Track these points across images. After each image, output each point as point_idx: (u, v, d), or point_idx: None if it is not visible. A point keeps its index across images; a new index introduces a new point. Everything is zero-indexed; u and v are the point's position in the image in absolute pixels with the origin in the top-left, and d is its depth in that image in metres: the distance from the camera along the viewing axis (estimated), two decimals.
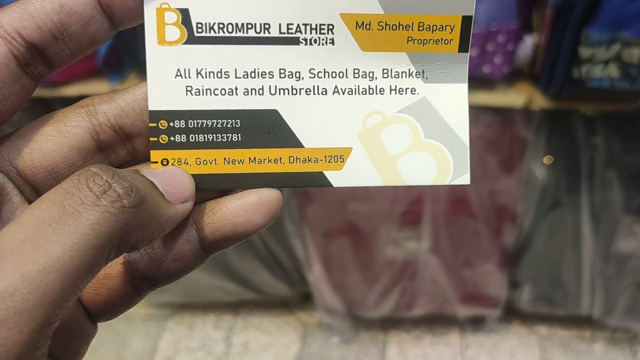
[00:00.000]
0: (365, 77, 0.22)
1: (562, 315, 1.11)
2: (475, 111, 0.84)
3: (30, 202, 0.20)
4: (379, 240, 1.00)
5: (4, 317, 0.14)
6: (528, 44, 0.76)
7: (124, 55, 0.83)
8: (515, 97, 0.80)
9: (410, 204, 0.95)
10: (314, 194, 0.97)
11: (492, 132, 0.87)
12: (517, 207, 0.96)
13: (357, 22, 0.21)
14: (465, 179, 0.22)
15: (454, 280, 1.05)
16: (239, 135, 0.21)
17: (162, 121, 0.21)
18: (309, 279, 1.09)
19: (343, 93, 0.22)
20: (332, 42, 0.21)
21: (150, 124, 0.20)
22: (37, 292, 0.15)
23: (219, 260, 1.08)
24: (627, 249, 0.96)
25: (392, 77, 0.22)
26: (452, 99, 0.22)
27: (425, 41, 0.21)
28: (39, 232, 0.15)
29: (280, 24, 0.21)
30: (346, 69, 0.21)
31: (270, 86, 0.21)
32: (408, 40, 0.21)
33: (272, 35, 0.21)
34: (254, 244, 1.05)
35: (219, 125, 0.21)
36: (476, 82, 0.80)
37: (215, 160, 0.21)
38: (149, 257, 0.21)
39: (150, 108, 0.20)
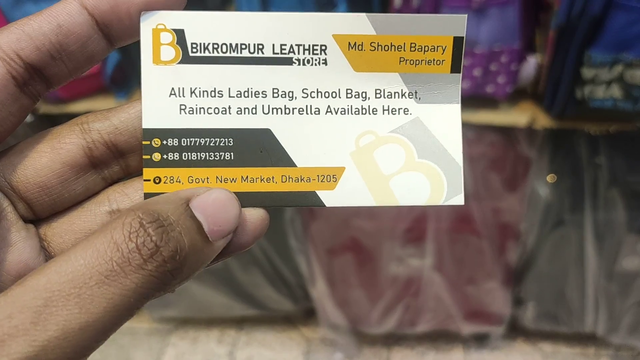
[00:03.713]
0: (358, 97, 0.22)
1: (566, 333, 1.10)
2: (479, 130, 0.85)
3: (24, 219, 0.20)
4: (382, 257, 1.00)
5: None
6: (531, 64, 0.77)
7: (130, 73, 0.84)
8: (518, 116, 0.80)
9: (414, 221, 0.95)
10: (317, 211, 0.97)
11: (496, 151, 0.87)
12: (521, 225, 0.96)
13: (349, 43, 0.21)
14: (459, 200, 0.22)
15: (458, 297, 1.04)
16: (232, 153, 0.21)
17: (155, 139, 0.21)
18: (312, 295, 1.09)
19: (336, 113, 0.22)
20: (325, 63, 0.21)
21: (144, 142, 0.21)
22: (76, 347, 0.16)
23: (223, 275, 1.08)
24: (631, 267, 0.96)
25: (384, 97, 0.22)
26: (445, 120, 0.22)
27: (417, 62, 0.21)
28: (85, 288, 0.16)
29: (273, 45, 0.21)
30: (339, 89, 0.21)
31: (263, 105, 0.21)
32: (400, 61, 0.21)
33: (265, 55, 0.21)
34: (258, 259, 1.05)
35: (212, 144, 0.21)
36: (480, 101, 0.80)
37: (207, 178, 0.21)
38: None
39: (144, 126, 0.21)
